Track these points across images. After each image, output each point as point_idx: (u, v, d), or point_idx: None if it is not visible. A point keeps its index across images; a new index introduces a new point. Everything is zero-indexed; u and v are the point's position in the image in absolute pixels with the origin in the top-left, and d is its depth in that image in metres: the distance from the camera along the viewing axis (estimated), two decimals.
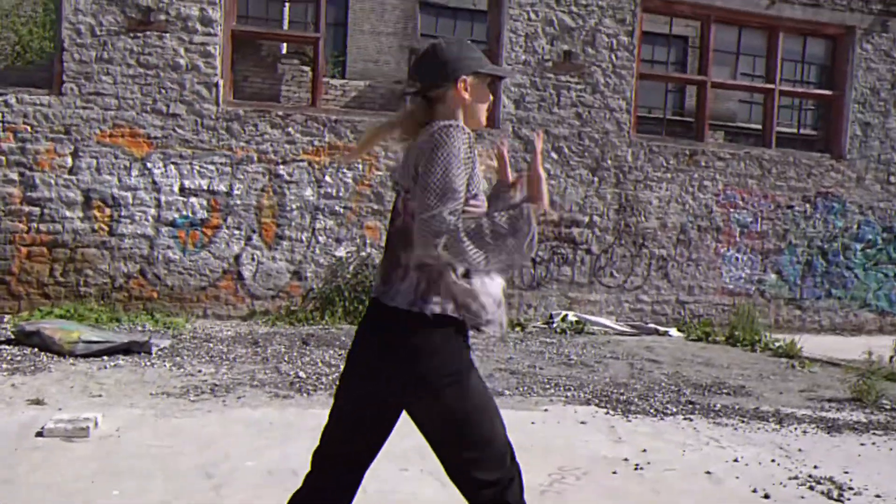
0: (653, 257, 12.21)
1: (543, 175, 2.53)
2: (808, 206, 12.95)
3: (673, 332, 11.65)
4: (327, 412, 2.70)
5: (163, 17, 10.09)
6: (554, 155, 11.65)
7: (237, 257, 10.44)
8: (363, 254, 10.86)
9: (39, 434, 4.98)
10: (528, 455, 4.99)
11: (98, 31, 9.93)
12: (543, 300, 11.71)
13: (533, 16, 11.53)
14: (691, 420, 6.25)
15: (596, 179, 11.88)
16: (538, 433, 5.63)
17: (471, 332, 2.60)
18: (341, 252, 10.78)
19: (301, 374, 7.18)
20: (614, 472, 4.78)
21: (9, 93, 9.81)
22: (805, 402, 7.22)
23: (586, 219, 11.84)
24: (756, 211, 12.68)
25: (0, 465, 4.42)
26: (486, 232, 2.35)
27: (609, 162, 11.92)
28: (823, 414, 6.73)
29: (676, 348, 10.26)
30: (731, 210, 12.57)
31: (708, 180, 12.40)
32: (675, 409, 6.56)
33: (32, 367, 6.94)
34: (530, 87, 11.55)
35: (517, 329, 11.00)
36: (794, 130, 18.44)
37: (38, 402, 5.81)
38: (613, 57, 11.92)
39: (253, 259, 10.49)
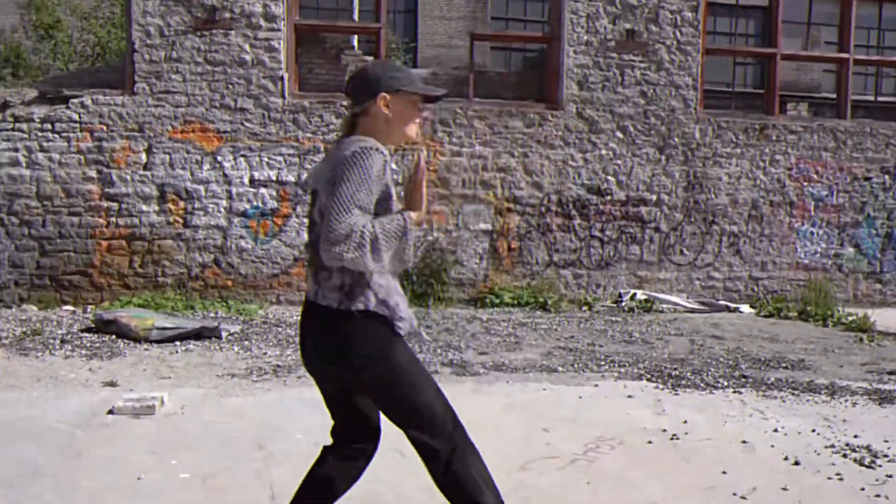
0: (724, 234, 12.08)
1: (424, 187, 2.84)
2: (886, 177, 12.60)
3: (745, 308, 11.54)
4: None
5: (227, 14, 10.47)
6: (619, 134, 11.63)
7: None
8: (430, 238, 11.07)
9: (110, 412, 5.35)
10: (569, 427, 5.15)
11: (166, 32, 10.37)
12: (612, 279, 11.73)
13: None
14: (740, 393, 6.26)
15: (663, 157, 11.81)
16: (583, 406, 5.75)
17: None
18: None
19: None
20: (649, 442, 4.87)
21: (84, 94, 10.34)
22: (864, 375, 7.14)
23: (654, 197, 11.79)
24: (831, 184, 12.40)
25: (71, 441, 4.79)
26: (378, 238, 2.60)
27: (676, 139, 11.84)
28: (880, 386, 6.65)
29: (744, 324, 10.17)
30: (805, 184, 12.33)
31: (780, 154, 12.19)
32: (726, 383, 6.58)
33: (109, 353, 7.38)
34: (593, 67, 11.54)
35: (584, 308, 11.06)
36: (872, 98, 17.88)
37: (111, 384, 6.21)
38: (678, 33, 11.81)
39: None
